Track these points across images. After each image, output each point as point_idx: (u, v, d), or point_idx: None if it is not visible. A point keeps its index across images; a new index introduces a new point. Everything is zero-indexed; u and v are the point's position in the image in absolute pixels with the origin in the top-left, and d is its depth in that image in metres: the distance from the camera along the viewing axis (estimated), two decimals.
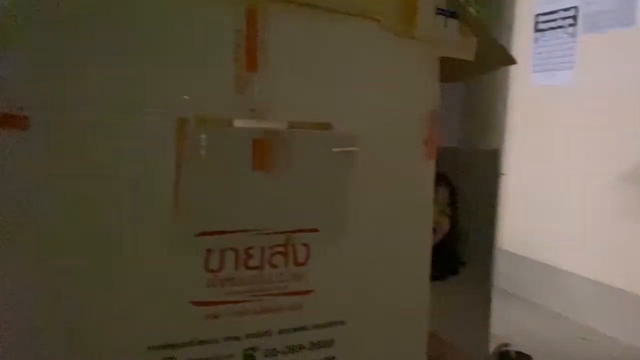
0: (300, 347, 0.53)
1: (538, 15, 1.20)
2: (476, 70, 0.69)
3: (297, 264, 0.52)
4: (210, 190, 0.46)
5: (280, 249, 0.51)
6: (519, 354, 0.73)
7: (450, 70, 0.63)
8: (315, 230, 0.52)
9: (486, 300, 0.77)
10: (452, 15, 0.59)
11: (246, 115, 0.48)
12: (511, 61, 0.65)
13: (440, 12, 0.58)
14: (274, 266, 0.51)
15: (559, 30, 1.14)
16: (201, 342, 0.48)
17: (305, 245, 0.52)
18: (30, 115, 0.41)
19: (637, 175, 0.98)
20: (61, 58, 0.42)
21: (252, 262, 0.50)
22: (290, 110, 0.51)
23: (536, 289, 1.18)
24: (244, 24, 0.48)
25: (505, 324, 0.91)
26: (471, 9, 0.59)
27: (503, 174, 0.74)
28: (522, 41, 1.24)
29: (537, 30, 1.20)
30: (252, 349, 0.51)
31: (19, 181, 0.41)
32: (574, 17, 1.10)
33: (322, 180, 0.51)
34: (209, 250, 0.48)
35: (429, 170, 0.59)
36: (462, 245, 0.75)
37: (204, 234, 0.47)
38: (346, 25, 0.53)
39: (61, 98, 0.42)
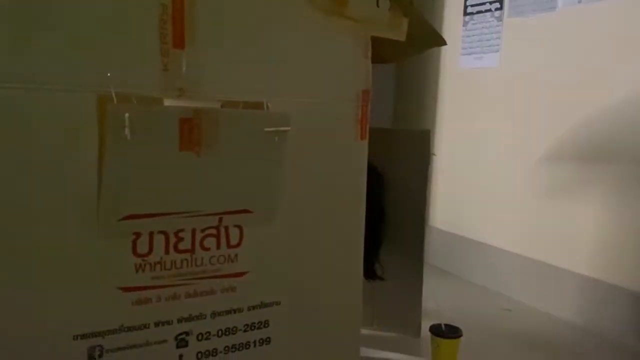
0: (235, 330, 0.53)
1: None
2: (407, 51, 0.69)
3: (229, 246, 0.51)
4: (136, 171, 0.44)
5: (212, 231, 0.50)
6: (448, 326, 0.76)
7: (382, 51, 0.63)
8: (248, 212, 0.52)
9: (417, 277, 0.79)
10: None
11: (174, 94, 0.47)
12: (441, 42, 0.66)
13: None
14: (205, 249, 0.50)
15: (486, 14, 1.17)
16: (130, 329, 0.47)
17: (237, 227, 0.52)
18: None
19: (559, 155, 1.03)
20: None
21: (183, 245, 0.49)
22: (220, 88, 0.49)
23: (466, 265, 1.23)
24: None
25: (436, 299, 0.94)
26: None
27: (434, 154, 0.76)
28: (451, 24, 1.27)
29: (466, 13, 1.23)
30: (185, 333, 0.50)
31: None
32: (501, 1, 1.14)
33: (254, 161, 0.50)
34: (136, 234, 0.46)
35: (362, 150, 0.60)
36: (391, 229, 0.76)
37: (130, 217, 0.45)
38: (277, 2, 0.52)
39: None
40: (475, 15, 1.22)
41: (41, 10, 0.41)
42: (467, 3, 1.25)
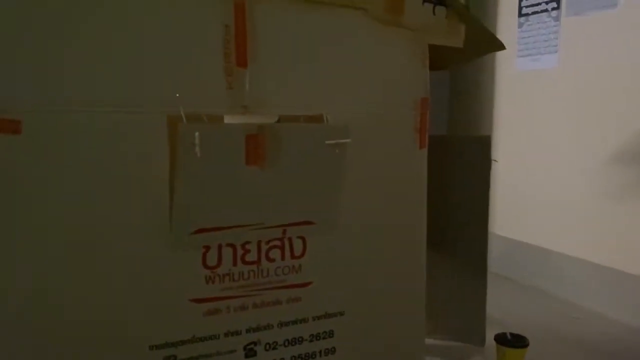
0: (301, 339, 0.53)
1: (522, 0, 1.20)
2: (465, 57, 0.69)
3: (293, 256, 0.52)
4: (205, 187, 0.46)
5: (277, 242, 0.51)
6: (514, 335, 0.74)
7: (439, 58, 0.63)
8: (311, 223, 0.52)
9: (481, 285, 0.78)
10: (440, 2, 0.59)
11: (238, 110, 0.48)
12: (500, 47, 0.65)
13: (428, 0, 0.58)
14: (271, 260, 0.51)
15: (542, 14, 1.14)
16: (202, 339, 0.48)
17: (301, 238, 0.53)
18: (22, 119, 0.40)
19: (624, 156, 0.99)
20: (51, 60, 0.41)
21: (250, 257, 0.50)
22: (281, 104, 0.51)
23: (528, 271, 1.19)
24: (232, 19, 0.48)
25: (500, 307, 0.92)
26: None
27: (495, 161, 0.75)
28: (506, 26, 1.24)
29: (522, 14, 1.20)
30: (253, 343, 0.51)
31: (13, 184, 0.40)
32: (558, 1, 1.11)
33: (315, 173, 0.51)
34: (206, 247, 0.48)
35: (422, 159, 0.60)
36: (453, 237, 0.75)
37: (200, 230, 0.47)
38: (333, 16, 0.53)
39: (52, 101, 0.41)
40: (531, 16, 1.20)
41: (110, 37, 0.43)
42: (522, 4, 1.22)
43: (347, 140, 0.51)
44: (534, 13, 1.19)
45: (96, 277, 0.44)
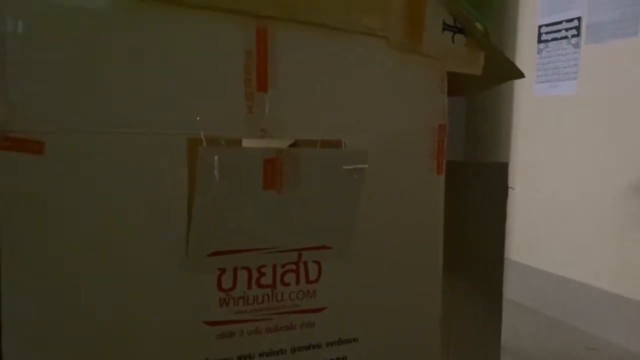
0: None
1: (541, 26, 1.20)
2: (483, 84, 0.69)
3: (308, 281, 0.52)
4: (223, 210, 0.47)
5: (292, 266, 0.51)
6: None
7: (457, 85, 0.63)
8: (326, 248, 0.52)
9: (497, 312, 0.77)
10: (460, 30, 0.59)
11: (257, 134, 0.49)
12: (519, 74, 0.65)
13: (447, 27, 0.58)
14: (285, 284, 0.51)
15: (562, 41, 1.14)
16: None
17: (316, 262, 0.52)
18: (45, 140, 0.41)
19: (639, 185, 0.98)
20: (74, 82, 0.42)
21: (265, 280, 0.50)
22: (300, 128, 0.51)
23: (544, 298, 1.18)
24: (254, 44, 0.48)
25: (516, 335, 0.91)
26: (478, 25, 0.60)
27: (512, 188, 0.74)
28: (525, 52, 1.25)
29: (541, 41, 1.20)
30: None
31: (36, 204, 0.41)
32: (577, 28, 1.10)
33: (332, 198, 0.51)
34: (221, 270, 0.48)
35: (439, 185, 0.59)
36: (468, 264, 0.75)
37: (216, 253, 0.47)
38: (352, 42, 0.54)
39: (75, 122, 0.42)
40: (550, 43, 1.20)
41: (136, 61, 0.44)
42: (542, 30, 1.22)
43: (365, 166, 0.51)
44: (553, 40, 1.19)
45: (111, 296, 0.44)
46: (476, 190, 0.75)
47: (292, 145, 0.53)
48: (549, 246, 1.19)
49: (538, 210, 1.22)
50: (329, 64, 0.53)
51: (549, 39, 1.20)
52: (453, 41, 0.59)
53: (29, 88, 0.41)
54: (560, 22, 1.15)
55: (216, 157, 0.44)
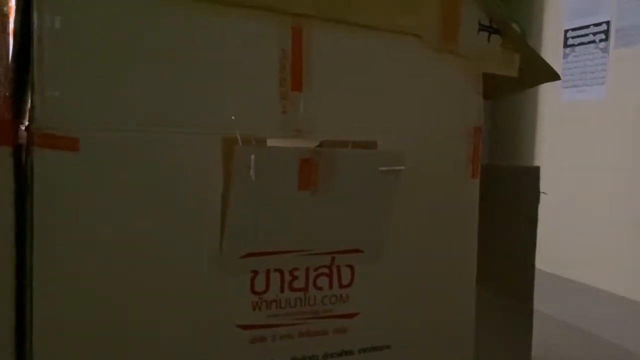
0: None
1: (567, 30, 1.18)
2: (517, 86, 0.67)
3: (341, 285, 0.51)
4: (257, 211, 0.46)
5: (325, 270, 0.50)
6: None
7: (491, 87, 0.62)
8: (360, 251, 0.51)
9: (526, 321, 0.75)
10: (496, 31, 0.58)
11: (291, 134, 0.48)
12: (554, 77, 0.64)
13: (483, 28, 0.57)
14: (318, 288, 0.50)
15: (589, 45, 1.12)
16: None
17: (349, 266, 0.51)
18: (79, 137, 0.40)
19: None
20: (110, 79, 0.41)
21: (297, 284, 0.49)
22: (333, 128, 0.50)
23: (574, 309, 1.15)
24: (289, 43, 0.47)
25: (542, 344, 0.88)
26: (514, 25, 0.58)
27: (544, 193, 0.73)
28: (550, 57, 1.23)
29: (567, 45, 1.18)
30: None
31: (70, 202, 0.40)
32: (606, 32, 1.08)
33: (367, 200, 0.50)
34: (254, 272, 0.47)
35: (473, 189, 0.58)
36: (496, 272, 0.73)
37: (250, 254, 0.46)
38: (387, 42, 0.52)
39: (110, 119, 0.42)
40: (577, 47, 1.18)
41: (172, 58, 0.43)
42: (568, 35, 1.21)
43: (402, 168, 0.50)
44: (580, 44, 1.17)
45: (143, 295, 0.43)
46: (506, 195, 0.73)
47: (318, 147, 0.52)
48: (573, 254, 1.17)
49: (562, 217, 1.19)
50: (364, 63, 0.51)
51: (576, 43, 1.18)
52: (489, 42, 0.58)
53: (64, 85, 0.40)
54: (587, 27, 1.13)
55: (253, 157, 0.43)
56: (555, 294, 1.19)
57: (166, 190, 0.43)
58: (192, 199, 0.44)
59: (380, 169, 0.49)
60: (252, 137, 0.45)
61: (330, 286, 0.50)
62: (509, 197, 0.74)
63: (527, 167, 0.75)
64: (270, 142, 0.47)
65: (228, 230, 0.44)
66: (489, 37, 0.58)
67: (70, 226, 0.40)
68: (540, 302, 1.15)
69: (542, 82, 0.69)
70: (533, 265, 0.75)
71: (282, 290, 0.48)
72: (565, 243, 1.20)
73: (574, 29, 1.18)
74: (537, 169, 0.73)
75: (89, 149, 0.41)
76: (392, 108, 0.53)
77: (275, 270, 0.48)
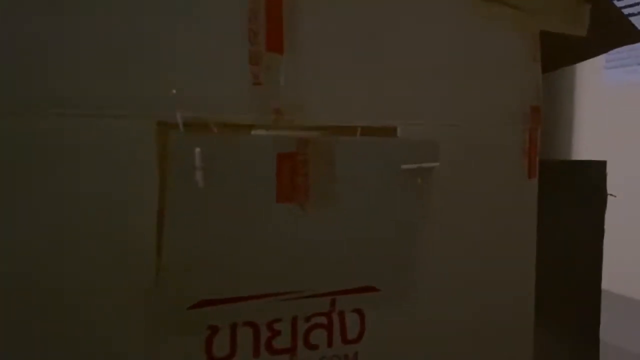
0: None
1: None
2: (585, 51, 0.51)
3: (346, 341, 0.35)
4: (211, 235, 0.30)
5: (321, 319, 0.34)
6: None
7: (546, 53, 0.45)
8: (373, 289, 0.35)
9: (592, 358, 0.58)
10: None
11: (268, 117, 0.32)
12: (636, 37, 0.47)
13: None
14: (312, 347, 0.34)
15: (639, 17, 0.96)
16: None
17: (357, 311, 0.35)
18: None
19: None
20: (21, 51, 0.26)
21: (280, 343, 0.33)
22: (332, 109, 0.34)
23: (623, 330, 0.99)
24: None
25: None
26: None
27: (612, 195, 0.56)
28: None
29: None
30: None
31: None
32: None
33: (384, 214, 0.34)
34: (212, 328, 0.31)
35: (531, 193, 0.42)
36: (554, 297, 0.57)
37: (204, 303, 0.30)
38: None
39: (22, 101, 0.26)
40: None
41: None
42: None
43: (435, 164, 0.33)
44: (630, 15, 1.00)
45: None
46: (564, 198, 0.57)
47: (308, 134, 0.36)
48: (626, 267, 1.00)
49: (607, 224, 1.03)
50: (377, 17, 0.35)
51: (625, 14, 1.02)
52: None
53: None
54: None
55: (197, 150, 0.27)
56: (628, 322, 1.02)
57: (80, 205, 0.28)
58: (116, 218, 0.28)
59: (403, 167, 0.33)
60: (204, 121, 0.29)
61: (330, 343, 0.34)
62: (565, 202, 0.57)
63: (590, 162, 0.58)
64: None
65: (165, 264, 0.28)
66: None
67: None
68: (611, 333, 0.97)
69: (616, 46, 0.52)
70: (599, 285, 0.58)
71: (256, 354, 0.32)
72: (614, 255, 1.03)
73: (619, 0, 1.01)
74: (603, 164, 0.56)
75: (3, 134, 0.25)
76: (417, 82, 0.37)
77: (245, 324, 0.32)
